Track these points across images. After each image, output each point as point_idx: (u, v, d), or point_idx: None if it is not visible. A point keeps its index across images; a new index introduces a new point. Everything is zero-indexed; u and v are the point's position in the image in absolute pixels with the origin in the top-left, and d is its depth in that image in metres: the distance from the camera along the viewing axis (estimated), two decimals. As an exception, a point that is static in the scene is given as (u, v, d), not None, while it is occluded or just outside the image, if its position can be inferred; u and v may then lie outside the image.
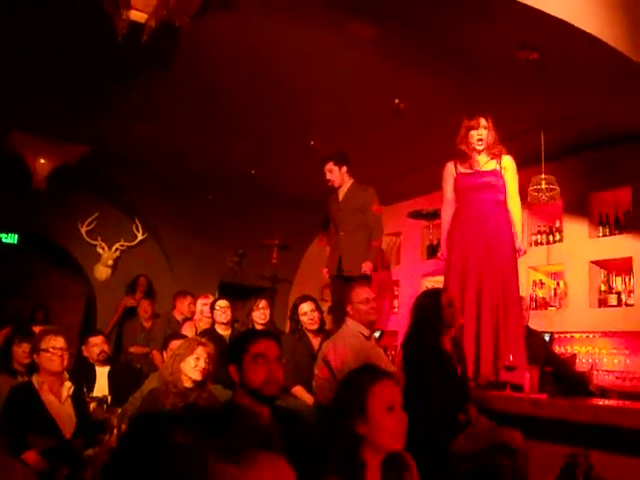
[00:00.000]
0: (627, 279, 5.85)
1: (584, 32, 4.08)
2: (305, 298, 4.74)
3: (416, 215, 7.27)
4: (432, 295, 3.77)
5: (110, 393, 4.46)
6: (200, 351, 3.44)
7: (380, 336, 6.53)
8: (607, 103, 5.19)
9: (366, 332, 3.99)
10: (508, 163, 4.43)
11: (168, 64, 4.87)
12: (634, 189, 5.85)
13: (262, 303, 5.22)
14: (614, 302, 5.86)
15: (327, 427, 2.23)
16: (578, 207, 6.25)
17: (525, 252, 4.47)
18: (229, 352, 2.55)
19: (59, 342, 3.50)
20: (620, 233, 5.97)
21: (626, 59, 4.31)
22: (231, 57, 4.83)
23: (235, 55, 4.79)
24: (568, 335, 6.17)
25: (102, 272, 8.43)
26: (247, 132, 6.29)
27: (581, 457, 2.64)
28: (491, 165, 4.42)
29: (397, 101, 5.32)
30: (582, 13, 4.10)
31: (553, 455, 2.77)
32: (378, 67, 4.85)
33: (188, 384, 3.36)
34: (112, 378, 4.81)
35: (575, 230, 6.29)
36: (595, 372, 5.60)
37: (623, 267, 5.89)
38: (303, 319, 4.62)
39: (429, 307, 3.61)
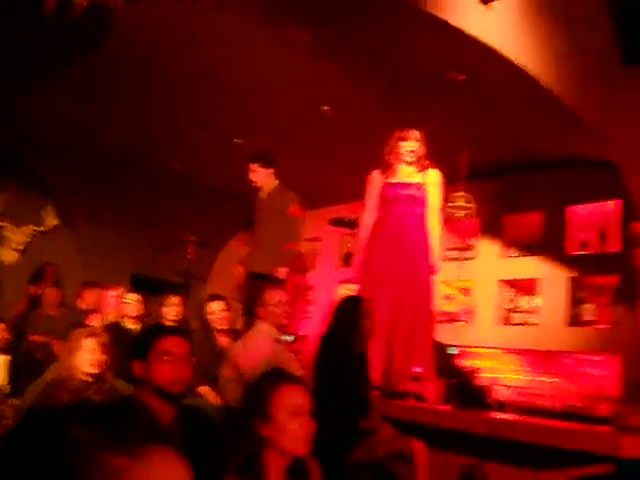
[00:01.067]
0: (532, 299, 6.10)
1: (510, 61, 4.23)
2: (214, 297, 4.68)
3: (337, 222, 7.28)
4: (354, 302, 3.77)
5: (9, 382, 4.27)
6: (92, 342, 3.28)
7: (294, 340, 6.52)
8: (526, 130, 5.40)
9: (277, 335, 3.96)
10: (433, 177, 4.39)
11: (97, 44, 4.71)
12: (545, 215, 6.11)
13: (173, 299, 5.08)
14: (519, 320, 6.09)
15: (232, 428, 2.21)
16: (492, 227, 6.47)
17: (440, 269, 4.44)
18: (134, 347, 2.46)
19: None
20: (530, 255, 6.22)
21: (546, 91, 4.50)
22: (162, 43, 4.72)
23: (167, 42, 4.69)
24: (474, 350, 6.36)
25: (8, 255, 8.07)
26: (172, 123, 6.17)
27: (477, 468, 2.71)
28: (416, 178, 4.38)
29: (324, 107, 5.35)
30: (511, 42, 4.25)
31: (454, 465, 2.84)
32: (310, 72, 4.86)
33: (84, 377, 3.23)
34: (11, 367, 4.61)
35: (487, 249, 6.51)
36: (495, 387, 5.79)
37: (529, 288, 6.14)
38: (210, 318, 4.56)
39: (353, 314, 3.62)
